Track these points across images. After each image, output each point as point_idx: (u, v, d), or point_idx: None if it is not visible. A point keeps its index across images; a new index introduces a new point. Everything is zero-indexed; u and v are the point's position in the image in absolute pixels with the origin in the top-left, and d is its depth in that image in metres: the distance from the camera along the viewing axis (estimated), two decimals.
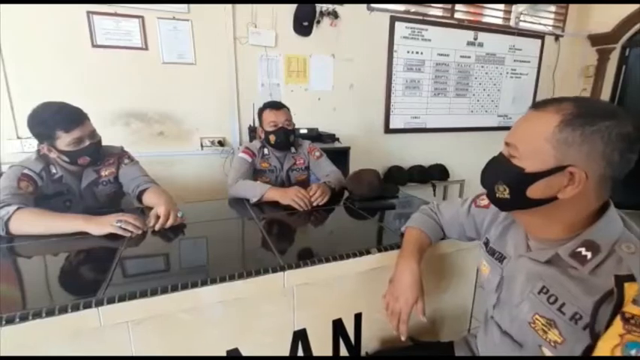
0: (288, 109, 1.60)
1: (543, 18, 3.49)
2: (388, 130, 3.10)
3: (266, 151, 1.63)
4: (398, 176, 3.07)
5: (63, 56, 2.06)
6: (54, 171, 1.21)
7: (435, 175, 3.23)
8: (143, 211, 1.24)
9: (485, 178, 0.70)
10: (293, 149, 1.66)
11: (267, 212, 1.28)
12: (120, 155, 1.37)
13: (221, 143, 2.50)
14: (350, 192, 1.44)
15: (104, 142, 1.34)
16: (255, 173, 1.59)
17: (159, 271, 0.84)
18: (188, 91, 2.36)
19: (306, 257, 0.87)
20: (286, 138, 1.56)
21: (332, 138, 2.58)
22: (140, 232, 1.00)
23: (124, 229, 0.97)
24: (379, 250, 0.93)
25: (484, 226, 0.83)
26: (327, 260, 0.87)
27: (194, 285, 0.74)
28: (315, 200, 1.29)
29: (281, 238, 1.06)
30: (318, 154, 1.68)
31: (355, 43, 2.77)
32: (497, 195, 0.66)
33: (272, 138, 1.57)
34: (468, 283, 1.16)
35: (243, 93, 2.51)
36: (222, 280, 0.76)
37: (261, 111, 1.60)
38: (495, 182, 0.65)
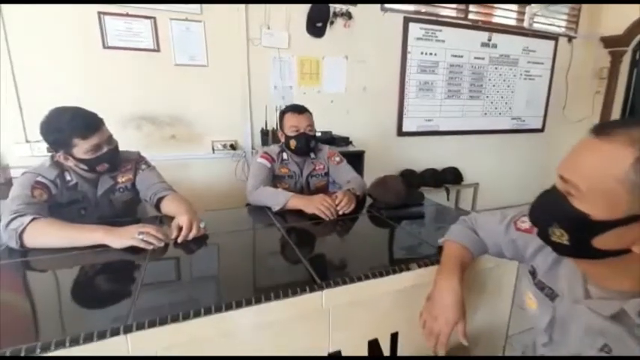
0: (311, 114, 1.55)
1: (557, 19, 3.43)
2: (401, 132, 3.04)
3: (285, 155, 1.57)
4: (411, 180, 3.00)
5: (73, 58, 2.01)
6: (69, 178, 1.16)
7: (449, 178, 3.17)
8: (162, 220, 1.18)
9: (536, 216, 0.59)
10: (312, 155, 1.60)
11: (291, 221, 1.22)
12: (137, 161, 1.32)
13: (233, 146, 2.44)
14: (374, 199, 1.38)
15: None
16: (274, 179, 1.53)
17: (185, 289, 0.78)
18: (200, 93, 2.31)
19: (343, 274, 0.81)
20: (307, 144, 1.51)
21: (346, 141, 2.53)
22: (162, 244, 0.94)
23: (147, 242, 0.92)
24: (419, 266, 0.87)
25: (528, 252, 0.73)
26: (367, 277, 0.81)
27: (229, 307, 0.68)
28: (341, 209, 1.23)
29: (311, 252, 1.00)
30: (338, 159, 1.62)
31: (369, 44, 2.71)
32: (552, 238, 0.55)
33: (292, 143, 1.51)
34: (504, 301, 1.09)
35: (256, 95, 2.46)
36: (258, 301, 0.70)
37: (282, 114, 1.55)
38: (550, 225, 0.54)
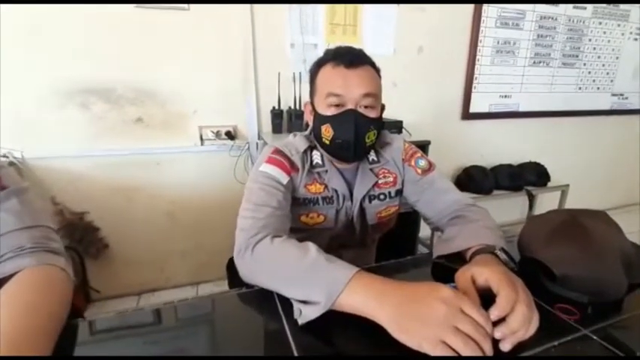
0: (377, 71, 0.73)
1: None
2: (467, 114, 2.17)
3: (317, 157, 0.76)
4: (480, 180, 2.16)
5: None
6: None
7: (530, 178, 2.29)
8: None
9: None
10: (373, 155, 0.80)
11: None
12: None
13: (230, 135, 1.65)
14: (549, 276, 0.56)
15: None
16: (296, 206, 0.74)
17: None
18: (179, 54, 1.51)
19: None
20: (357, 139, 0.69)
21: (398, 127, 1.70)
22: None
23: None
24: None
25: None
26: None
27: None
28: (511, 337, 0.42)
29: None
30: (423, 164, 0.80)
31: None
32: None
33: (326, 132, 0.71)
34: None
35: (264, 58, 1.64)
36: None
37: (316, 68, 0.73)
38: None
